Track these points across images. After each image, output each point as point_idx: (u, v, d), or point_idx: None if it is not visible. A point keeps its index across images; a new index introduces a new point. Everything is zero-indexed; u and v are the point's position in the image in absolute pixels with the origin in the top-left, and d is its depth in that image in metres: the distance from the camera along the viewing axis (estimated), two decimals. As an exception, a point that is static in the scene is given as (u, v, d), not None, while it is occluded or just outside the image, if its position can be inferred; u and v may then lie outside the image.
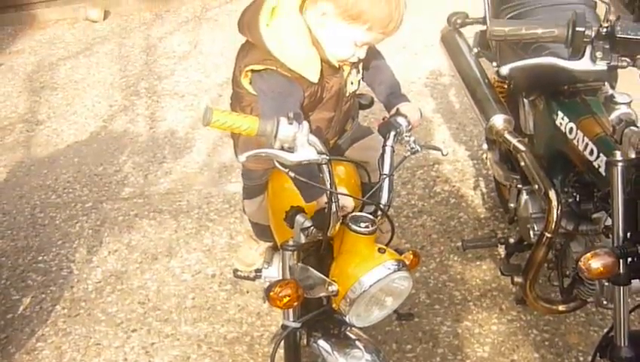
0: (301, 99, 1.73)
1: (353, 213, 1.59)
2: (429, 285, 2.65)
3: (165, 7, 5.58)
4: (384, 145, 1.72)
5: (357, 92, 1.95)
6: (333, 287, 1.54)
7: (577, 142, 1.92)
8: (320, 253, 1.66)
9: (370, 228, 1.54)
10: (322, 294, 1.58)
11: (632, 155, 1.66)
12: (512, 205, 2.41)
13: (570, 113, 2.00)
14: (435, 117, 3.73)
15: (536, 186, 2.01)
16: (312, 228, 1.57)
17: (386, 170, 1.68)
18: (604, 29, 1.71)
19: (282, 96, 1.69)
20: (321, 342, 1.68)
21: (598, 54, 1.73)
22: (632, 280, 1.66)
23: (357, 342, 1.68)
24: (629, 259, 1.63)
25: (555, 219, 1.93)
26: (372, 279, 1.49)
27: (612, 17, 1.73)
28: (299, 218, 1.59)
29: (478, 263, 2.73)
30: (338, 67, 1.77)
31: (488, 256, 2.74)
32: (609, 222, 1.82)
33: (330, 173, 1.49)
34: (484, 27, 2.38)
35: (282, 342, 1.68)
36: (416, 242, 2.87)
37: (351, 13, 1.61)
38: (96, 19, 5.43)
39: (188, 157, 3.65)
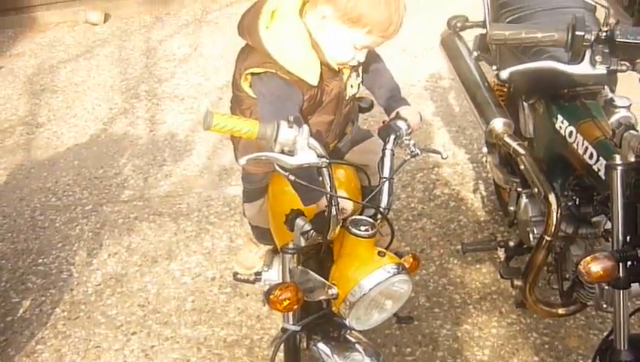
0: (300, 103, 1.73)
1: (353, 217, 1.59)
2: (429, 288, 2.65)
3: (165, 9, 5.59)
4: (384, 149, 1.72)
5: (357, 95, 1.95)
6: (333, 290, 1.54)
7: (577, 145, 1.92)
8: (320, 256, 1.66)
9: (370, 232, 1.55)
10: (322, 297, 1.59)
11: (632, 159, 1.65)
12: (511, 208, 2.41)
13: (570, 117, 2.00)
14: (434, 120, 3.73)
15: (536, 189, 2.01)
16: (311, 231, 1.58)
17: (386, 173, 1.69)
18: (604, 33, 1.72)
19: (281, 99, 1.69)
20: (321, 345, 1.68)
21: (598, 58, 1.73)
22: (632, 284, 1.66)
23: (357, 345, 1.68)
24: (629, 263, 1.63)
25: (554, 223, 1.93)
26: (372, 282, 1.50)
27: (611, 21, 1.74)
28: (299, 221, 1.59)
29: (477, 266, 2.73)
30: (338, 70, 1.77)
31: (488, 259, 2.75)
32: (609, 225, 1.82)
33: (330, 177, 1.50)
34: (483, 31, 2.39)
35: (282, 345, 1.68)
36: (416, 245, 2.87)
37: (351, 16, 1.61)
38: (97, 22, 5.44)
39: (188, 160, 3.66)
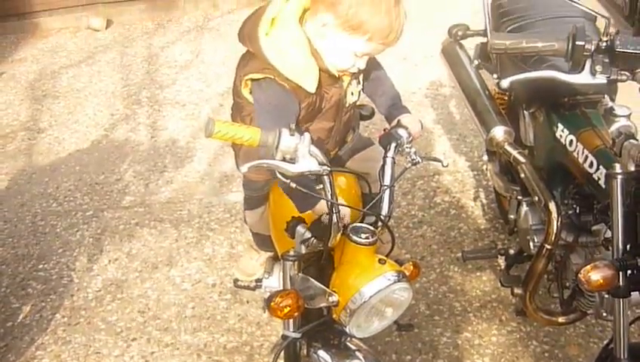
0: (297, 113, 1.74)
1: (354, 224, 1.60)
2: (429, 296, 2.65)
3: (167, 16, 5.61)
4: (385, 157, 1.73)
5: (357, 103, 1.96)
6: (334, 298, 1.55)
7: (577, 154, 1.93)
8: (320, 264, 1.66)
9: (371, 239, 1.55)
10: (323, 304, 1.59)
11: (632, 168, 1.66)
12: (512, 216, 2.41)
13: (570, 125, 2.01)
14: (435, 128, 3.74)
15: (536, 198, 2.01)
16: (312, 238, 1.58)
17: (387, 181, 1.69)
18: (604, 43, 1.73)
19: (277, 109, 1.70)
20: (321, 353, 1.68)
21: (598, 68, 1.74)
22: (632, 293, 1.66)
23: (357, 353, 1.68)
24: (629, 272, 1.63)
25: (554, 231, 1.93)
26: (372, 290, 1.50)
27: (612, 31, 1.75)
28: (300, 229, 1.60)
29: (478, 274, 2.73)
30: (338, 77, 1.78)
31: (488, 267, 2.75)
32: (609, 234, 1.82)
33: (331, 184, 1.50)
34: (484, 39, 2.39)
35: (282, 353, 1.68)
36: (417, 253, 2.87)
37: (351, 23, 1.62)
38: (99, 28, 5.46)
39: (189, 166, 3.66)
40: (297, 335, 1.67)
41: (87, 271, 2.97)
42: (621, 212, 1.66)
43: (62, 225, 3.28)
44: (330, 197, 1.50)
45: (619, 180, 1.66)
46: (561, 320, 2.12)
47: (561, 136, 2.03)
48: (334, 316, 1.58)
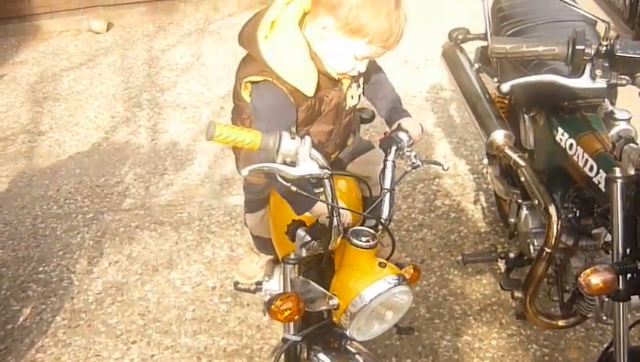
0: (295, 116, 1.74)
1: (354, 228, 1.60)
2: (429, 299, 2.65)
3: (168, 19, 5.62)
4: (385, 160, 1.73)
5: (357, 106, 1.96)
6: (334, 301, 1.55)
7: (577, 158, 1.93)
8: (321, 267, 1.67)
9: (371, 243, 1.55)
10: (323, 308, 1.59)
11: (632, 172, 1.66)
12: (512, 220, 2.41)
13: (570, 129, 2.01)
14: (435, 131, 3.74)
15: (537, 201, 2.01)
16: (313, 241, 1.58)
17: (387, 184, 1.69)
18: (604, 47, 1.73)
19: (275, 111, 1.71)
20: (322, 356, 1.68)
21: (598, 72, 1.75)
22: (632, 296, 1.66)
23: (357, 356, 1.68)
24: (629, 275, 1.63)
25: (555, 235, 1.93)
26: (373, 293, 1.50)
27: (612, 35, 1.75)
28: (300, 232, 1.60)
29: (478, 277, 2.73)
30: (337, 80, 1.78)
31: (488, 270, 2.75)
32: (609, 237, 1.83)
33: (331, 188, 1.50)
34: (485, 43, 2.40)
35: (282, 356, 1.69)
36: (417, 256, 2.87)
37: (351, 26, 1.62)
38: (100, 31, 5.46)
39: (189, 169, 3.67)
40: (298, 338, 1.67)
41: (87, 273, 2.97)
42: (621, 216, 1.66)
43: (62, 228, 3.28)
44: (330, 200, 1.51)
45: (619, 184, 1.66)
46: (561, 323, 2.12)
47: (561, 139, 2.03)
48: (335, 319, 1.59)
